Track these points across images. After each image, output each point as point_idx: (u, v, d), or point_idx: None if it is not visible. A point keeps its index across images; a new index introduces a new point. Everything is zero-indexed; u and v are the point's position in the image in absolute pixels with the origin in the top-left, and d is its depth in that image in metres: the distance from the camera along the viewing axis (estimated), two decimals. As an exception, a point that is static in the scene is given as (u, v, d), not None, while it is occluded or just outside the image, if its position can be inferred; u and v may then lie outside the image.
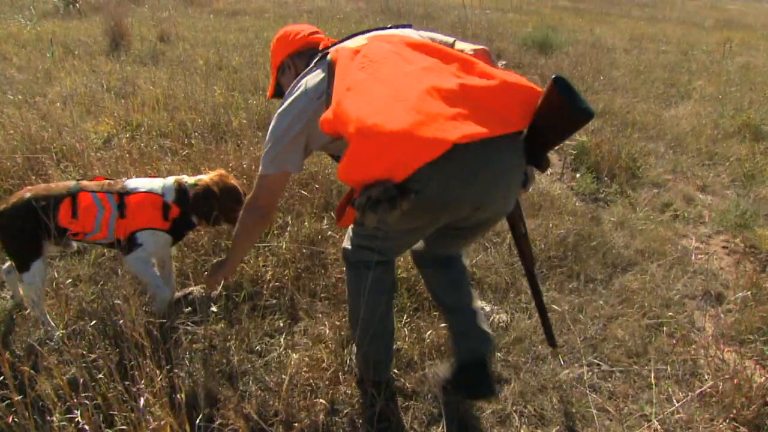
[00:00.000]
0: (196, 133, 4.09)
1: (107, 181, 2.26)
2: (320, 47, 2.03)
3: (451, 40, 1.99)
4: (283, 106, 1.85)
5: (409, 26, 2.01)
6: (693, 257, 3.41)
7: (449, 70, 1.57)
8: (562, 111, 1.49)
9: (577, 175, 4.26)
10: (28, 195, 2.13)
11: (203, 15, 10.24)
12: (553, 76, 1.48)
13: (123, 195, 2.17)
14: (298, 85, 1.86)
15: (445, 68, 1.58)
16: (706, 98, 7.18)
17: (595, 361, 2.52)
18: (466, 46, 1.92)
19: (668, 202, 4.08)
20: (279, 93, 2.09)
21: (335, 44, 1.94)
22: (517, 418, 2.14)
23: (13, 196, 2.16)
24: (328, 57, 1.79)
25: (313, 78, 1.84)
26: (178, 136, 4.06)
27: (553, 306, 2.81)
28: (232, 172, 3.32)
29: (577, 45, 9.78)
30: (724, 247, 3.60)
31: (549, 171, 4.43)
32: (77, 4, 10.75)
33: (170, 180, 2.26)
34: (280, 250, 2.85)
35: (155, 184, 2.24)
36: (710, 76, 8.67)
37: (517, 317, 2.71)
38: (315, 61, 1.90)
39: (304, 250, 2.85)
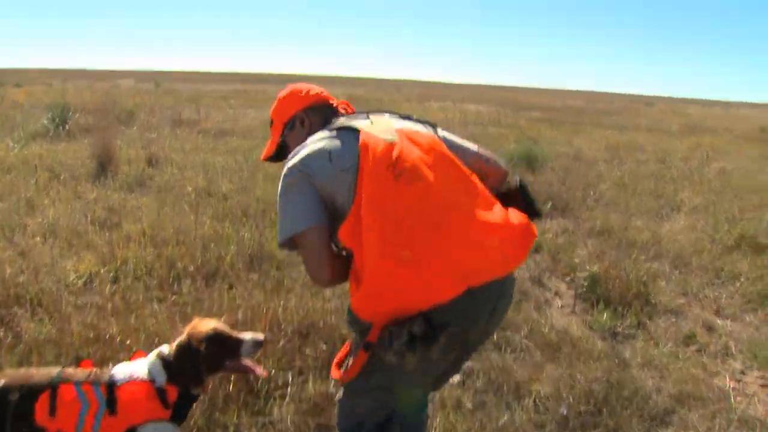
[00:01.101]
0: (186, 279, 3.81)
1: (95, 369, 1.95)
2: (336, 107, 1.88)
3: (473, 148, 1.86)
4: (295, 160, 1.63)
5: (433, 125, 1.85)
6: (732, 400, 3.11)
7: (478, 204, 1.59)
8: (521, 208, 1.67)
9: (594, 312, 4.02)
10: (1, 382, 1.81)
11: (191, 135, 10.37)
12: (518, 182, 1.75)
13: (112, 386, 1.85)
14: (316, 144, 1.64)
15: (474, 201, 1.59)
16: (697, 209, 7.23)
17: None
18: (488, 154, 1.89)
19: (690, 333, 3.84)
20: (280, 155, 1.88)
21: (356, 115, 1.80)
22: None
23: None
24: (359, 138, 1.60)
25: (336, 143, 1.62)
26: (165, 277, 3.79)
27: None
28: (227, 323, 3.04)
29: (560, 158, 10.04)
30: (763, 386, 3.32)
31: (560, 303, 4.22)
32: (66, 126, 10.87)
33: (153, 358, 1.95)
34: (283, 425, 2.50)
35: (141, 368, 1.93)
36: (693, 185, 8.85)
37: None
38: (336, 127, 1.69)
39: (309, 422, 2.50)
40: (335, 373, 1.67)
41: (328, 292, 3.60)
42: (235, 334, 1.98)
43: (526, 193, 1.74)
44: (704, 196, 7.98)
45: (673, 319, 4.08)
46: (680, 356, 3.55)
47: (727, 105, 71.71)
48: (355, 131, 1.64)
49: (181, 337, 1.96)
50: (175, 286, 3.70)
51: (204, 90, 29.32)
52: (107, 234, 4.68)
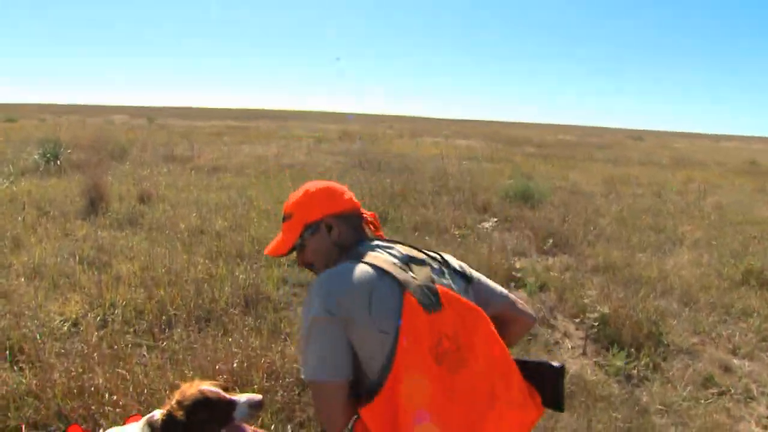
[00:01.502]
0: (178, 323, 3.61)
1: None
2: (365, 222, 1.69)
3: (504, 293, 1.71)
4: (329, 296, 1.42)
5: (467, 277, 1.67)
6: (762, 451, 2.93)
7: (511, 398, 1.50)
8: (543, 387, 1.55)
9: (606, 354, 3.85)
10: None
11: (184, 172, 10.24)
12: (560, 366, 1.55)
13: None
14: (357, 283, 1.44)
15: (508, 392, 1.50)
16: (699, 244, 7.13)
17: None
18: (518, 301, 1.73)
19: (708, 375, 3.67)
20: (295, 253, 1.68)
21: (391, 248, 1.59)
22: None
23: None
24: (403, 300, 1.41)
25: (379, 295, 1.42)
26: (156, 322, 3.58)
27: None
28: (220, 375, 2.84)
29: (558, 192, 9.98)
30: (791, 435, 3.14)
31: (570, 345, 4.05)
32: (58, 162, 10.71)
33: (142, 425, 1.72)
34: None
35: None
36: (691, 219, 8.79)
37: None
38: (378, 265, 1.47)
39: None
40: None
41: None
42: (227, 396, 1.73)
43: (560, 381, 1.58)
44: (704, 230, 7.90)
45: (688, 360, 3.91)
46: (701, 400, 3.37)
47: (715, 138, 72.99)
48: (399, 284, 1.44)
49: (169, 404, 1.76)
50: (167, 331, 3.50)
51: (197, 126, 29.39)
52: (96, 274, 4.48)
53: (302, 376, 1.45)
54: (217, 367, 2.89)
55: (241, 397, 1.73)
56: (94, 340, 3.23)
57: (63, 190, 8.20)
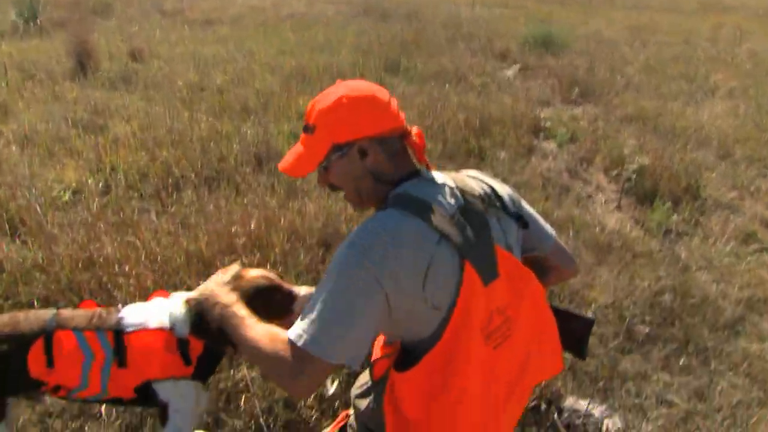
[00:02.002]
0: (187, 185, 3.35)
1: (98, 310, 1.55)
2: (406, 144, 1.32)
3: (553, 235, 1.49)
4: (378, 250, 1.14)
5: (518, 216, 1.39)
6: (805, 304, 2.81)
7: (543, 359, 1.43)
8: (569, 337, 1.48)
9: (641, 208, 3.62)
10: None
11: (176, 26, 9.42)
12: (591, 320, 1.53)
13: (120, 334, 1.47)
14: (412, 246, 1.16)
15: (540, 357, 1.42)
16: (733, 93, 6.65)
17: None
18: (563, 247, 1.55)
19: (749, 231, 3.48)
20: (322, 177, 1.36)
21: (438, 181, 1.30)
22: None
23: None
24: (463, 274, 1.18)
25: (437, 267, 1.17)
26: (162, 185, 3.33)
27: (673, 399, 2.17)
28: (239, 236, 2.64)
29: (580, 40, 9.21)
30: (836, 287, 3.01)
31: (603, 199, 3.81)
32: (38, 21, 9.87)
33: (178, 303, 1.53)
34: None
35: (161, 313, 1.53)
36: (724, 67, 8.18)
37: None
38: (438, 227, 1.19)
39: None
40: None
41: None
42: (287, 287, 1.54)
43: (587, 333, 1.52)
44: (740, 79, 7.34)
45: (728, 215, 3.70)
46: (742, 257, 3.21)
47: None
48: (459, 252, 1.18)
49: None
50: (174, 194, 3.25)
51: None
52: (92, 138, 4.15)
53: (292, 336, 1.12)
54: (233, 229, 2.67)
55: (301, 289, 1.55)
56: (97, 207, 3.00)
57: (47, 51, 7.55)
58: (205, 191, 3.27)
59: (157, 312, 1.53)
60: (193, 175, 3.44)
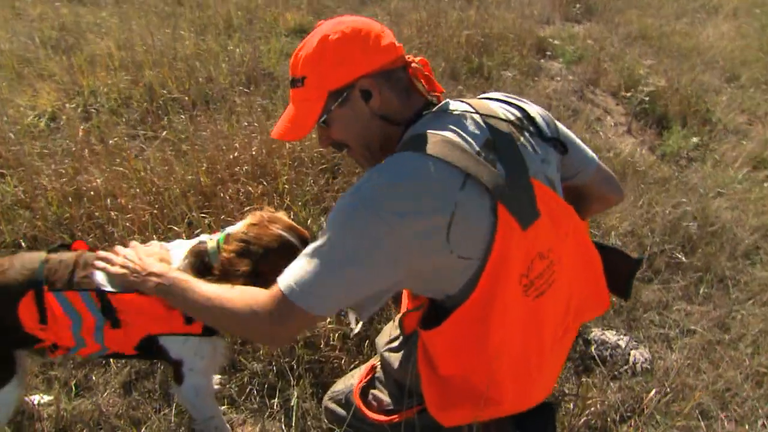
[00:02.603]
0: (176, 108, 3.09)
1: (84, 256, 1.34)
2: (413, 73, 1.15)
3: (595, 159, 1.35)
4: (390, 206, 0.99)
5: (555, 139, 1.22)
6: (819, 232, 2.78)
7: (587, 303, 1.36)
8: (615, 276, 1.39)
9: (650, 131, 3.50)
10: None
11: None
12: (639, 260, 1.44)
13: (104, 292, 1.27)
14: (430, 195, 1.01)
15: (584, 302, 1.34)
16: (737, 13, 6.40)
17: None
18: (609, 173, 1.42)
19: (761, 158, 3.40)
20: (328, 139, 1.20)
21: (457, 111, 1.13)
22: None
23: None
24: (497, 220, 1.03)
25: (464, 211, 1.01)
26: (148, 109, 3.07)
27: (695, 329, 2.15)
28: (240, 164, 2.45)
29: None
30: None
31: (612, 122, 3.67)
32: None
33: (184, 253, 1.34)
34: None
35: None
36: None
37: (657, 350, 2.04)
38: (459, 164, 1.02)
39: None
40: (359, 402, 1.40)
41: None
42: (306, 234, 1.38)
43: (633, 274, 1.43)
44: (743, -1, 7.07)
45: (738, 140, 3.61)
46: (754, 183, 3.15)
47: None
48: (489, 192, 1.02)
49: (242, 229, 1.35)
50: (165, 119, 3.00)
51: None
52: (65, 59, 3.79)
53: (282, 286, 1.02)
54: (233, 156, 2.47)
55: None
56: (80, 135, 2.75)
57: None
58: (196, 115, 3.02)
59: None
60: (184, 98, 3.17)
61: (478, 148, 1.06)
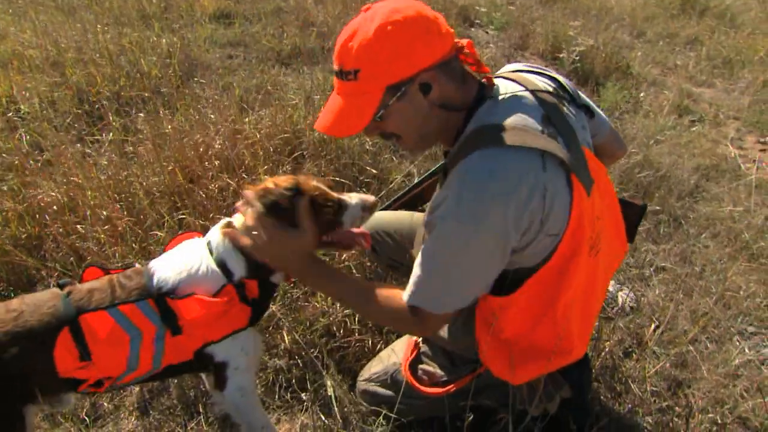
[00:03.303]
0: (112, 106, 2.83)
1: (115, 277, 1.24)
2: (464, 59, 1.14)
3: (608, 121, 1.45)
4: (501, 210, 1.03)
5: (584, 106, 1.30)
6: (743, 167, 3.10)
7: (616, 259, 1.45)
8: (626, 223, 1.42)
9: (586, 89, 3.70)
10: None
11: None
12: (644, 206, 1.49)
13: (163, 298, 1.19)
14: (528, 186, 1.04)
15: (617, 256, 1.44)
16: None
17: (749, 328, 2.12)
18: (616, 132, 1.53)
19: (683, 105, 3.70)
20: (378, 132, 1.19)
21: (514, 92, 1.16)
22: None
23: None
24: (572, 195, 1.10)
25: (553, 196, 1.06)
26: (83, 111, 2.82)
27: (665, 265, 2.34)
28: (210, 160, 2.33)
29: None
30: (762, 150, 3.34)
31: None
32: None
33: (221, 240, 1.26)
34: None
35: (201, 258, 1.25)
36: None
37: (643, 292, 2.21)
38: (537, 152, 1.06)
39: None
40: (411, 378, 1.43)
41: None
42: (336, 196, 1.32)
43: (640, 219, 1.50)
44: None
45: (656, 89, 3.92)
46: (681, 128, 3.44)
47: None
48: (564, 167, 1.08)
49: (265, 198, 1.24)
50: (123, 119, 2.73)
51: None
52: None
53: (409, 300, 1.14)
54: (200, 151, 2.33)
55: (352, 198, 1.33)
56: (14, 147, 2.47)
57: None
58: (142, 113, 2.80)
59: (196, 259, 1.26)
60: (113, 94, 2.93)
61: (540, 127, 1.09)
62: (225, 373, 1.30)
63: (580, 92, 1.34)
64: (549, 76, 1.26)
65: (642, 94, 3.75)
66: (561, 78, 1.28)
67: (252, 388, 1.37)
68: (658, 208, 2.63)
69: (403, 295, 1.15)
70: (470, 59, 1.15)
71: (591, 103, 1.38)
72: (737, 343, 2.06)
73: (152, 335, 1.18)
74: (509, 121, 1.08)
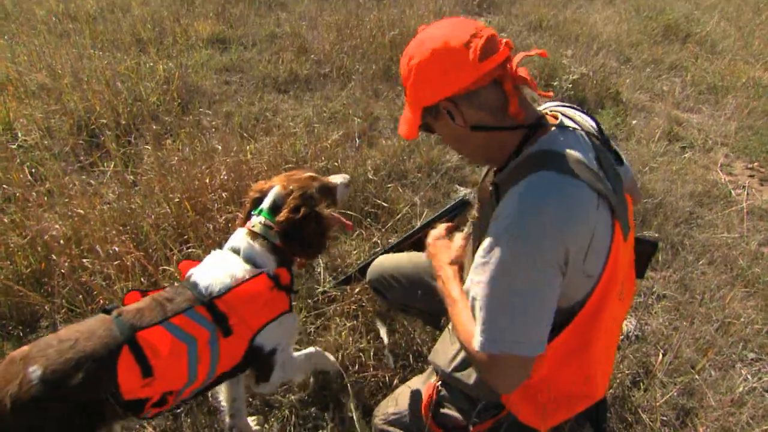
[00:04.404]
0: (109, 135, 2.81)
1: (161, 295, 1.30)
2: (520, 82, 1.13)
3: (631, 168, 1.44)
4: (555, 242, 1.04)
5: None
6: (733, 193, 3.18)
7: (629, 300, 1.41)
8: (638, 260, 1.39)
9: (600, 115, 3.77)
10: (35, 371, 1.08)
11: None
12: (656, 243, 1.50)
13: (212, 302, 1.29)
14: (578, 222, 1.05)
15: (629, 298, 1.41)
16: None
17: (750, 354, 2.17)
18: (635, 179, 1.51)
19: (671, 132, 3.79)
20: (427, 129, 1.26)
21: (572, 124, 1.19)
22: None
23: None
24: (612, 242, 1.11)
25: (599, 239, 1.09)
26: (83, 140, 2.79)
27: (666, 293, 2.39)
28: (216, 191, 2.32)
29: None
30: (750, 176, 3.44)
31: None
32: None
33: (249, 241, 1.42)
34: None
35: (233, 259, 1.40)
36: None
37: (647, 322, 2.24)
38: (595, 191, 1.08)
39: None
40: (430, 422, 1.41)
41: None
42: (324, 180, 1.56)
43: (651, 256, 1.50)
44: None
45: (646, 116, 4.01)
46: (672, 154, 3.52)
47: None
48: (612, 211, 1.10)
49: (278, 197, 1.47)
50: (114, 147, 2.71)
51: None
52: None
53: (478, 347, 1.06)
54: (208, 182, 2.31)
55: (336, 178, 1.60)
56: (17, 176, 2.44)
57: None
58: (146, 146, 2.78)
59: (230, 261, 1.39)
60: (119, 124, 2.92)
61: (596, 167, 1.11)
62: (273, 359, 1.42)
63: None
64: (591, 117, 1.29)
65: (634, 121, 3.83)
66: (594, 121, 1.30)
67: (290, 356, 1.51)
68: (657, 235, 2.68)
69: (473, 344, 1.09)
70: (527, 83, 1.12)
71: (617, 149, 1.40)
72: (740, 371, 2.10)
73: (206, 339, 1.25)
74: (572, 154, 1.09)
